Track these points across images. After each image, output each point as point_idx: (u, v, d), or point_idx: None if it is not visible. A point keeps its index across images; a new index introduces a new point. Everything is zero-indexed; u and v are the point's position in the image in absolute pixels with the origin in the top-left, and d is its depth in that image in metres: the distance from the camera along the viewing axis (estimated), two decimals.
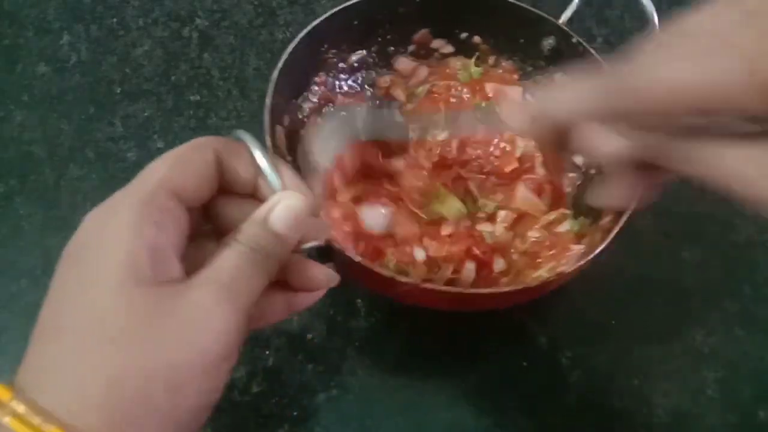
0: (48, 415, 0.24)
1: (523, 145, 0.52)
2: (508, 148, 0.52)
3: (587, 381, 0.46)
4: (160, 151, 0.30)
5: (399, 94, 0.55)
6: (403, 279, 0.39)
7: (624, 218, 0.40)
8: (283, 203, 0.30)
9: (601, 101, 0.26)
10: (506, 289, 0.42)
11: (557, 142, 0.29)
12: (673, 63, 0.23)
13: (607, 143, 0.27)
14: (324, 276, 0.33)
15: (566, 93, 0.28)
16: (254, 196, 0.32)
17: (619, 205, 0.31)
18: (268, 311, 0.33)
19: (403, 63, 0.56)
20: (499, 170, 0.51)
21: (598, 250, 0.40)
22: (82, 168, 0.54)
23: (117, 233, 0.26)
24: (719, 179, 0.23)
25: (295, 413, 0.44)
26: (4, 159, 0.54)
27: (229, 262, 0.28)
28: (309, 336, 0.47)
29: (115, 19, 0.63)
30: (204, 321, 0.26)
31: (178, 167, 0.29)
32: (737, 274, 0.51)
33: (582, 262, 0.40)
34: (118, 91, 0.58)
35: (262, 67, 0.61)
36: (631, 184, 0.29)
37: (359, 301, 0.48)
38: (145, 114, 0.57)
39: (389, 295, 0.42)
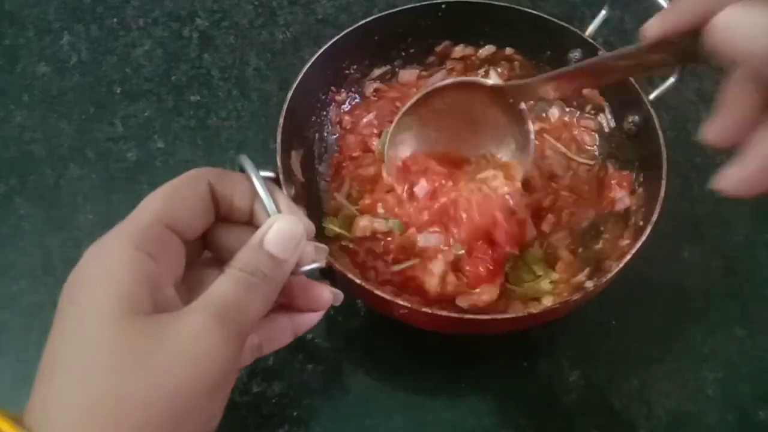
0: None
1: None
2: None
3: (587, 381, 0.46)
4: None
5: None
6: (401, 302, 0.38)
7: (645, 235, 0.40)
8: (277, 225, 0.30)
9: None
10: (510, 315, 0.41)
11: (688, 47, 0.29)
12: None
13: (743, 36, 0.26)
14: (329, 294, 0.34)
15: None
16: (251, 223, 0.32)
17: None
18: (275, 336, 0.34)
19: (407, 75, 0.55)
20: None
21: (625, 261, 0.40)
22: (82, 168, 0.54)
23: (113, 267, 0.27)
24: None
25: (295, 413, 0.44)
26: (4, 159, 0.54)
27: (223, 288, 0.28)
28: (309, 336, 0.47)
29: (115, 19, 0.63)
30: (194, 347, 0.26)
31: (172, 201, 0.30)
32: (737, 274, 0.51)
33: (608, 277, 0.40)
34: (118, 91, 0.58)
35: (262, 67, 0.61)
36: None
37: (359, 301, 0.48)
38: (145, 114, 0.57)
39: (390, 315, 0.41)
